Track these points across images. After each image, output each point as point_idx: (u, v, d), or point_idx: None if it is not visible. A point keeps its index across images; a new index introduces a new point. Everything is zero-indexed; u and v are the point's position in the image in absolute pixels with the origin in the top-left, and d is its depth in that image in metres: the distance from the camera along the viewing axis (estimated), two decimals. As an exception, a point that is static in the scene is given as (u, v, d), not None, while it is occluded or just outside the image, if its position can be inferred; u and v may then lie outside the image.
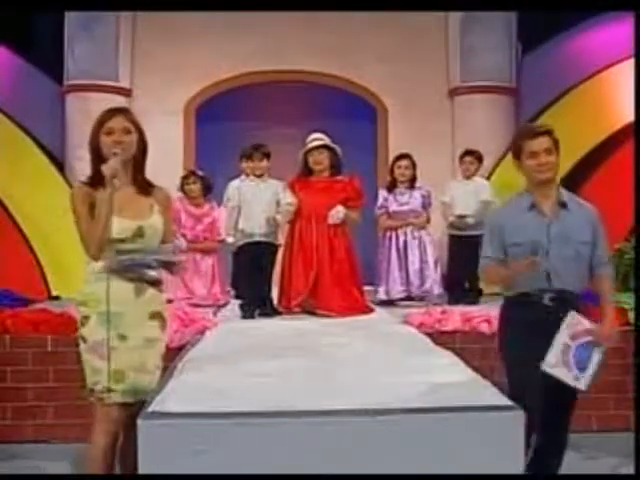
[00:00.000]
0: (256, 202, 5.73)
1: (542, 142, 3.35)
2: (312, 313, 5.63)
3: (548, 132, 3.40)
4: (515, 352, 3.34)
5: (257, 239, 5.69)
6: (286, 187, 5.82)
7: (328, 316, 5.50)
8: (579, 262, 3.37)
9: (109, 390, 3.01)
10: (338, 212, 5.72)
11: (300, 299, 5.67)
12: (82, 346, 3.08)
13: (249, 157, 5.86)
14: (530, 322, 3.28)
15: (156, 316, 3.16)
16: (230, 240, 5.98)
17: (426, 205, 6.53)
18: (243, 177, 5.98)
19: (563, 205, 3.38)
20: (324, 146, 5.78)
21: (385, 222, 6.54)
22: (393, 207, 6.48)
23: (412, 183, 6.52)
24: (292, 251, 5.77)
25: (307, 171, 5.83)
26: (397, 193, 6.51)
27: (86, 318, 3.05)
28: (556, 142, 3.39)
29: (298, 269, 5.70)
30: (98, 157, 3.09)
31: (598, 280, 3.50)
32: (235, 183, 5.94)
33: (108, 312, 3.00)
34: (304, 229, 5.75)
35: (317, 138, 5.82)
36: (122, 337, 3.03)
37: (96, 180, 3.07)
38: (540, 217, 3.37)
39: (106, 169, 3.00)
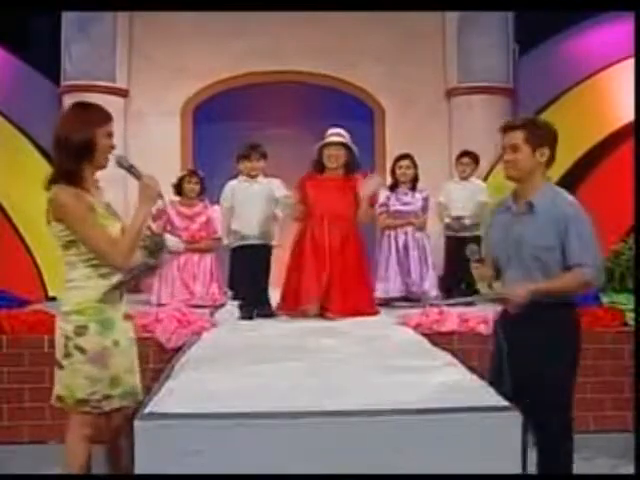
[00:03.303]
0: (249, 204, 5.67)
1: (508, 138, 3.18)
2: (319, 315, 5.39)
3: (519, 126, 3.17)
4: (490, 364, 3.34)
5: (250, 242, 5.63)
6: (282, 183, 5.73)
7: (334, 318, 5.26)
8: (541, 270, 3.11)
9: (107, 397, 2.97)
10: (373, 179, 5.52)
11: (312, 301, 5.40)
12: (78, 357, 2.94)
13: (246, 157, 5.83)
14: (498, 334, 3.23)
15: (128, 317, 3.14)
16: (225, 242, 5.98)
17: (425, 208, 6.55)
18: (240, 178, 5.98)
19: (530, 206, 3.15)
20: (341, 143, 5.59)
21: (385, 221, 6.53)
22: (396, 206, 6.48)
23: (414, 183, 6.53)
24: (303, 251, 5.50)
25: (320, 166, 5.63)
26: (400, 193, 6.51)
27: (84, 328, 2.94)
28: (529, 136, 3.13)
29: (311, 270, 5.43)
30: (90, 153, 2.96)
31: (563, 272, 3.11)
32: (232, 183, 5.93)
33: (106, 319, 2.97)
34: (316, 229, 5.51)
35: (336, 133, 5.61)
36: (116, 342, 3.01)
37: (78, 179, 2.95)
38: (508, 218, 3.24)
39: (155, 184, 2.96)
